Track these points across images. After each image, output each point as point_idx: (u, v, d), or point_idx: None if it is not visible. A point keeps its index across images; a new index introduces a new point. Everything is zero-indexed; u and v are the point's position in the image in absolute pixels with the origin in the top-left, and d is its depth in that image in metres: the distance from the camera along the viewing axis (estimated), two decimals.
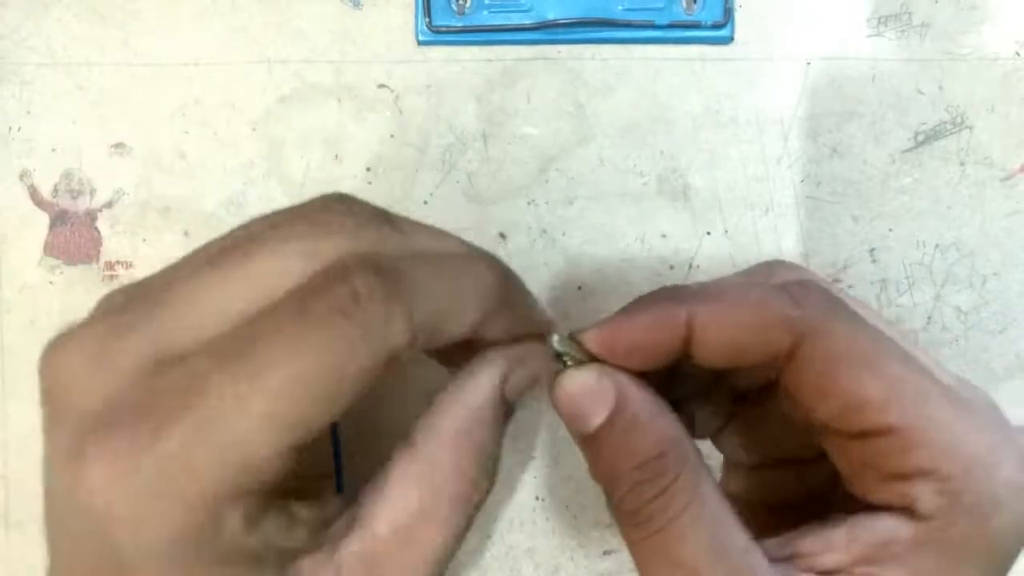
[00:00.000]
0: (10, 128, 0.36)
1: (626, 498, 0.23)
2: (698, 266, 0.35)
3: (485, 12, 0.34)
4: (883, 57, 0.35)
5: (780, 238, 0.35)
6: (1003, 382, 0.35)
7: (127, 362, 0.20)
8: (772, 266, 0.27)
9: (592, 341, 0.25)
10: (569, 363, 0.24)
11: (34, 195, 0.36)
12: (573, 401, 0.24)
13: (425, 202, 0.35)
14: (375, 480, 0.23)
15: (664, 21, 0.34)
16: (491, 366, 0.24)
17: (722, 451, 0.29)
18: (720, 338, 0.23)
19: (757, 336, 0.23)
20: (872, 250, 0.35)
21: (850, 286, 0.35)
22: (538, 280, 0.35)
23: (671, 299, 0.24)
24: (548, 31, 0.35)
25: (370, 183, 0.35)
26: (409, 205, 0.35)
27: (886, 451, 0.22)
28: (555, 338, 0.25)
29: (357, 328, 0.19)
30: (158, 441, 0.18)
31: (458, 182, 0.35)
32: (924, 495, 0.21)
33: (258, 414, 0.19)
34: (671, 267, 0.35)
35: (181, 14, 0.35)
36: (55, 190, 0.36)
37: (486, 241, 0.35)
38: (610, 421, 0.23)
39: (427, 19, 0.35)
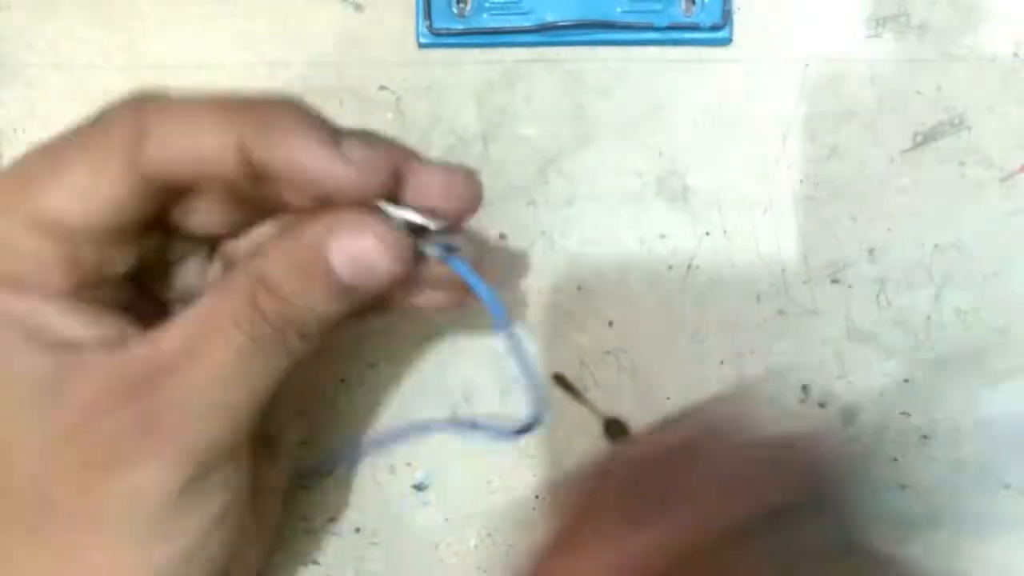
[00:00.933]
0: (14, 130, 0.36)
1: None
2: (697, 267, 0.35)
3: (485, 15, 0.35)
4: (881, 58, 0.35)
5: (779, 238, 0.35)
6: (1003, 382, 0.35)
7: None
8: None
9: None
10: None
11: None
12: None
13: None
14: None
15: (663, 23, 0.35)
16: (314, 231, 0.23)
17: None
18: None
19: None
20: (871, 250, 0.35)
21: (849, 286, 0.35)
22: (538, 280, 0.35)
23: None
24: (548, 33, 0.35)
25: None
26: None
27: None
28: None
29: (86, 131, 0.23)
30: None
31: None
32: None
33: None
34: (670, 267, 0.35)
35: (185, 17, 0.36)
36: None
37: (487, 241, 0.35)
38: None
39: (428, 22, 0.35)
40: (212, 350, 0.22)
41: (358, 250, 0.23)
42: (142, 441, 0.22)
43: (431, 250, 0.25)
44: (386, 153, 0.24)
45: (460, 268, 0.25)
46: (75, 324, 0.23)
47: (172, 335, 0.23)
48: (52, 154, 0.23)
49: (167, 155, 0.22)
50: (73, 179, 0.22)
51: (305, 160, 0.22)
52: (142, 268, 0.26)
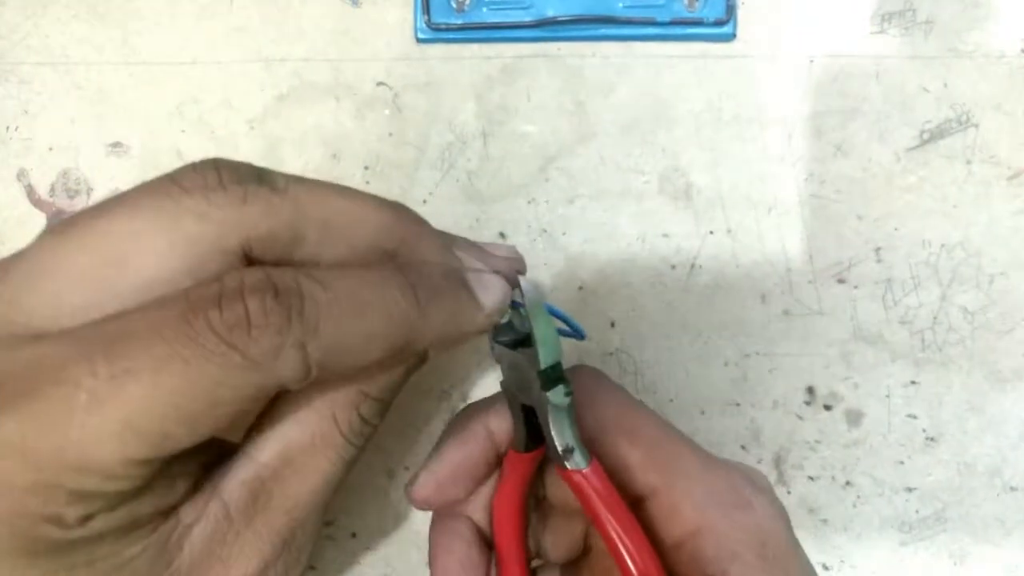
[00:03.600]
0: (7, 127, 0.35)
1: None
2: (700, 266, 0.35)
3: (484, 9, 0.34)
4: (887, 54, 0.34)
5: (784, 237, 0.35)
6: (1010, 383, 0.35)
7: None
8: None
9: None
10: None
11: (31, 195, 0.35)
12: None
13: (424, 201, 0.35)
14: (267, 413, 0.23)
15: (666, 18, 0.34)
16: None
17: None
18: None
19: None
20: (877, 249, 0.34)
21: (855, 286, 0.35)
22: (538, 280, 0.35)
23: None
24: (548, 28, 0.34)
25: (368, 182, 0.35)
26: (408, 204, 0.34)
27: (658, 517, 0.24)
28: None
29: (243, 358, 0.18)
30: None
31: (457, 181, 0.35)
32: None
33: (113, 419, 0.17)
34: (673, 267, 0.35)
35: (179, 13, 0.35)
36: (52, 189, 0.35)
37: (486, 239, 0.35)
38: None
39: (426, 17, 0.34)
40: (318, 463, 0.23)
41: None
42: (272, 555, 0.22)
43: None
44: (489, 255, 0.25)
45: (548, 307, 0.25)
46: (164, 497, 0.21)
47: (270, 447, 0.22)
48: (186, 391, 0.18)
49: (329, 377, 0.20)
50: (216, 420, 0.19)
51: (463, 330, 0.23)
52: None
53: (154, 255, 0.19)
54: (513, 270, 0.25)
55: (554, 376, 0.24)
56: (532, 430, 0.25)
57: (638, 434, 0.25)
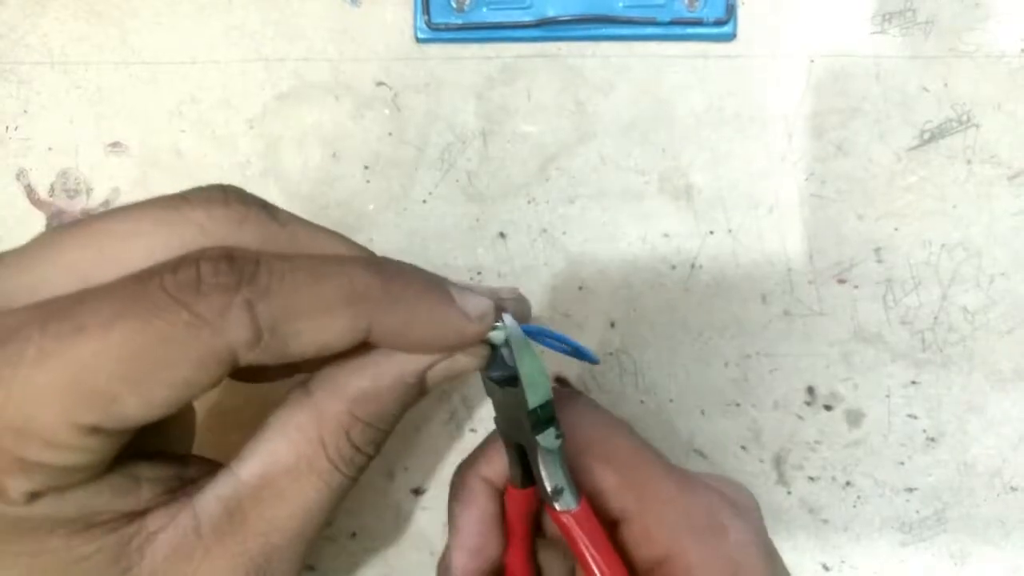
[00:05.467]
0: (7, 127, 0.35)
1: None
2: (701, 266, 0.35)
3: (484, 9, 0.34)
4: (887, 54, 0.34)
5: (784, 237, 0.35)
6: (1010, 383, 0.35)
7: None
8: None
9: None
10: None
11: (31, 195, 0.35)
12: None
13: (424, 201, 0.35)
14: (258, 427, 0.22)
15: (666, 18, 0.34)
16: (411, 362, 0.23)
17: None
18: None
19: None
20: (878, 249, 0.34)
21: (856, 286, 0.35)
22: (538, 280, 0.35)
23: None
24: (548, 28, 0.34)
25: (368, 181, 0.35)
26: (408, 204, 0.35)
27: (631, 542, 0.24)
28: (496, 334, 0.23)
29: (190, 314, 0.18)
30: None
31: (457, 181, 0.35)
32: None
33: (58, 375, 0.17)
34: (673, 267, 0.35)
35: (178, 12, 0.35)
36: (51, 189, 0.35)
37: (486, 240, 0.35)
38: None
39: (426, 16, 0.34)
40: (301, 489, 0.21)
41: (454, 370, 0.23)
42: None
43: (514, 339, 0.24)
44: (488, 292, 0.24)
45: (561, 336, 0.25)
46: (127, 496, 0.20)
47: (251, 466, 0.21)
48: (141, 359, 0.18)
49: (284, 352, 0.20)
50: (164, 392, 0.18)
51: (440, 333, 0.22)
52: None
53: (146, 256, 0.19)
54: (498, 298, 0.24)
55: (544, 417, 0.23)
56: (526, 468, 0.25)
57: (613, 458, 0.25)
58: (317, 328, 0.20)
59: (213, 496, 0.21)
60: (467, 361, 0.23)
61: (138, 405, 0.18)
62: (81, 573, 0.19)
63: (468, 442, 0.35)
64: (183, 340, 0.18)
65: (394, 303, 0.21)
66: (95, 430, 0.18)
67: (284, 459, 0.21)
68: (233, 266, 0.19)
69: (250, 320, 0.18)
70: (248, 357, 0.19)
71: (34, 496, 0.18)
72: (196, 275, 0.18)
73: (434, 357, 0.22)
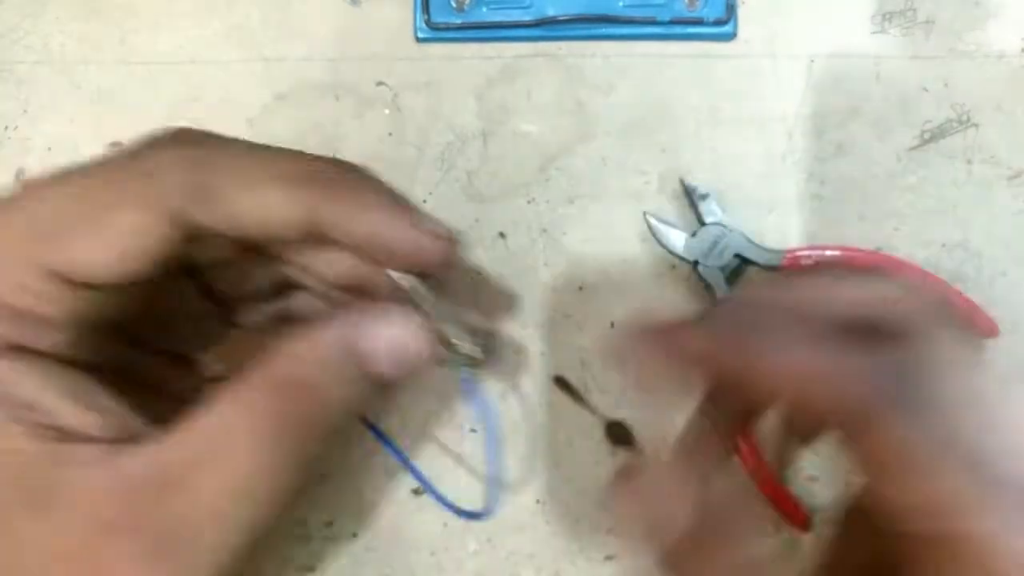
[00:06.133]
0: (6, 127, 0.35)
1: None
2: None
3: (484, 9, 0.34)
4: (887, 54, 0.34)
5: (784, 237, 0.35)
6: (1012, 383, 0.35)
7: None
8: (876, 284, 0.22)
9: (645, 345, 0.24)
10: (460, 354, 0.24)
11: None
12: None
13: (424, 201, 0.35)
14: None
15: (666, 17, 0.34)
16: (343, 322, 0.22)
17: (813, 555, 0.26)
18: (776, 401, 0.21)
19: (809, 415, 0.21)
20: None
21: None
22: (538, 280, 0.35)
23: (730, 349, 0.21)
24: (548, 27, 0.34)
25: None
26: None
27: (942, 557, 0.19)
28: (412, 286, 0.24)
29: (131, 162, 0.21)
30: None
31: (457, 180, 0.35)
32: None
33: (15, 222, 0.20)
34: (673, 267, 0.35)
35: (178, 12, 0.35)
36: None
37: (486, 240, 0.35)
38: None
39: (426, 16, 0.34)
40: (232, 460, 0.20)
41: (391, 338, 0.22)
42: (152, 571, 0.20)
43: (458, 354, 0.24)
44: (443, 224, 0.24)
45: (468, 386, 0.26)
46: (75, 409, 0.20)
47: (186, 438, 0.20)
48: (88, 198, 0.20)
49: (228, 218, 0.21)
50: (112, 231, 0.20)
51: (391, 232, 0.22)
52: (147, 323, 0.24)
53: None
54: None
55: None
56: None
57: (933, 476, 0.19)
58: (256, 197, 0.21)
59: (137, 460, 0.20)
60: (412, 339, 0.23)
61: (93, 247, 0.20)
62: (10, 479, 0.20)
63: (469, 442, 0.35)
64: (125, 184, 0.20)
65: (344, 194, 0.22)
66: (57, 275, 0.20)
67: (213, 429, 0.21)
68: (180, 133, 0.22)
69: (189, 173, 0.20)
70: (192, 214, 0.20)
71: (6, 346, 0.20)
72: (145, 142, 0.21)
73: (369, 322, 0.22)
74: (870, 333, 0.20)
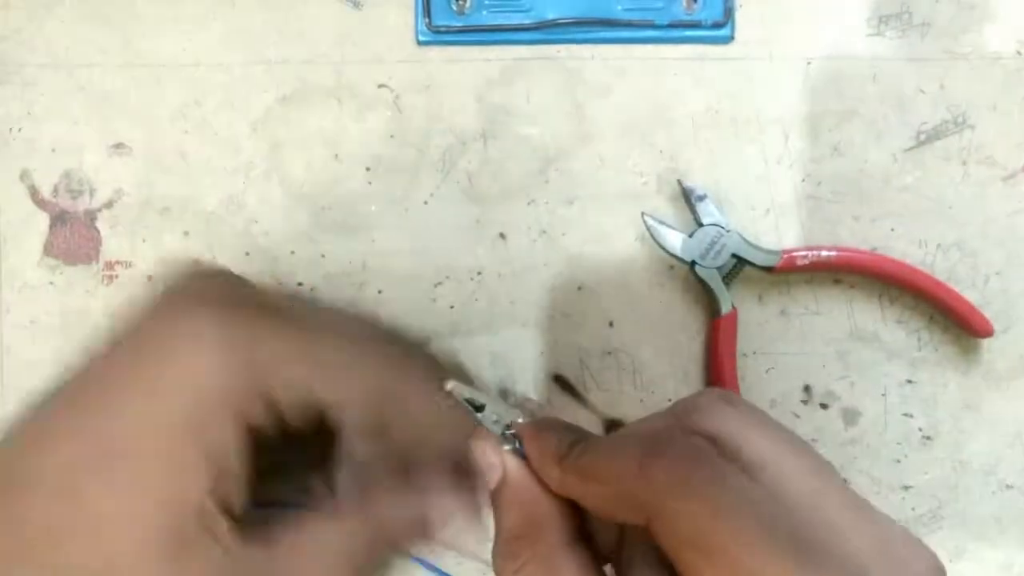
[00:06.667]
0: (11, 128, 0.36)
1: (495, 560, 0.24)
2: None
3: (485, 12, 0.35)
4: (884, 56, 0.35)
5: (781, 238, 0.35)
6: (1005, 382, 0.35)
7: None
8: (694, 405, 0.24)
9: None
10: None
11: (34, 195, 0.36)
12: (477, 458, 0.25)
13: (425, 202, 0.35)
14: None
15: (664, 21, 0.34)
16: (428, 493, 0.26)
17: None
18: (585, 502, 0.23)
19: (614, 510, 0.22)
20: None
21: (852, 286, 0.35)
22: (538, 280, 0.35)
23: (552, 456, 0.24)
24: (548, 31, 0.35)
25: (370, 183, 0.35)
26: (409, 205, 0.35)
27: None
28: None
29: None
30: None
31: (458, 182, 0.35)
32: None
33: None
34: (671, 267, 0.35)
35: (182, 15, 0.35)
36: (55, 190, 0.36)
37: (486, 241, 0.35)
38: (496, 491, 0.25)
39: (427, 19, 0.35)
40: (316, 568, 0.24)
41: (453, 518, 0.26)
42: None
43: None
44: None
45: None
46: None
47: (282, 540, 0.24)
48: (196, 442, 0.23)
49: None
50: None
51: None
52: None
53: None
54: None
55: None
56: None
57: (720, 557, 0.19)
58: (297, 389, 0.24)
59: (244, 554, 0.23)
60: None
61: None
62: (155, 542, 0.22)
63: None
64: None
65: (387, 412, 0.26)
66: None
67: (306, 537, 0.24)
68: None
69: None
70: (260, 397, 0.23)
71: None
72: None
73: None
74: (657, 444, 0.21)
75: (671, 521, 0.20)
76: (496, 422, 0.25)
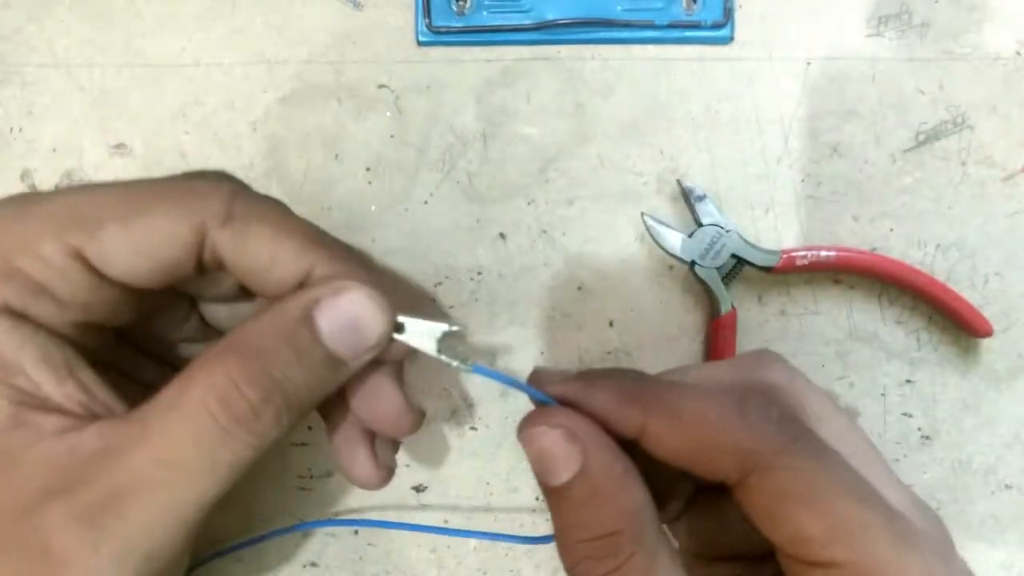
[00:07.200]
0: (11, 128, 0.36)
1: (575, 569, 0.21)
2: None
3: (485, 12, 0.35)
4: (883, 57, 0.35)
5: (781, 238, 0.35)
6: (1004, 382, 0.35)
7: None
8: (759, 360, 0.25)
9: (554, 392, 0.23)
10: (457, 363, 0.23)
11: None
12: (542, 456, 0.22)
13: (425, 202, 0.35)
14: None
15: (664, 21, 0.34)
16: (300, 296, 0.23)
17: (676, 538, 0.27)
18: (670, 451, 0.21)
19: (707, 459, 0.21)
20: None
21: (851, 286, 0.35)
22: (538, 280, 0.35)
23: (630, 397, 0.22)
24: (548, 31, 0.35)
25: (370, 183, 0.35)
26: (409, 205, 0.35)
27: None
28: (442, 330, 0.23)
29: (183, 181, 0.24)
30: None
31: (458, 182, 0.35)
32: None
33: (55, 207, 0.22)
34: (670, 267, 0.35)
35: (182, 15, 0.35)
36: (56, 190, 0.36)
37: (486, 241, 0.35)
38: (571, 484, 0.21)
39: (427, 19, 0.35)
40: (167, 431, 0.21)
41: (347, 312, 0.22)
42: (81, 537, 0.20)
43: (450, 360, 0.24)
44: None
45: (494, 375, 0.24)
46: (53, 379, 0.21)
47: (137, 414, 0.21)
48: (129, 200, 0.22)
49: (243, 248, 0.23)
50: (145, 233, 0.21)
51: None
52: (144, 328, 0.26)
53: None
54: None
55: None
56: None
57: (822, 507, 0.20)
58: (272, 239, 0.23)
59: (92, 432, 0.21)
60: (368, 316, 0.23)
61: (123, 242, 0.21)
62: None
63: (469, 440, 0.36)
64: (166, 195, 0.22)
65: (340, 255, 0.24)
66: (81, 259, 0.21)
67: (160, 401, 0.21)
68: (224, 173, 0.24)
69: (226, 205, 0.22)
70: (214, 235, 0.22)
71: (8, 310, 0.21)
72: (194, 172, 0.24)
73: (326, 297, 0.23)
74: (747, 394, 0.22)
75: (776, 475, 0.20)
76: (454, 357, 0.23)
